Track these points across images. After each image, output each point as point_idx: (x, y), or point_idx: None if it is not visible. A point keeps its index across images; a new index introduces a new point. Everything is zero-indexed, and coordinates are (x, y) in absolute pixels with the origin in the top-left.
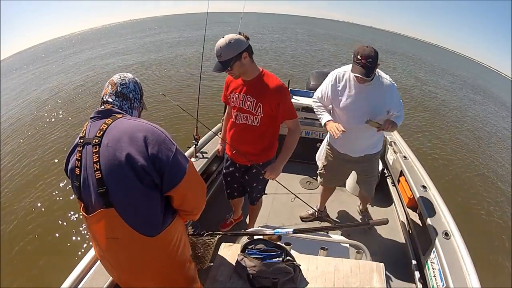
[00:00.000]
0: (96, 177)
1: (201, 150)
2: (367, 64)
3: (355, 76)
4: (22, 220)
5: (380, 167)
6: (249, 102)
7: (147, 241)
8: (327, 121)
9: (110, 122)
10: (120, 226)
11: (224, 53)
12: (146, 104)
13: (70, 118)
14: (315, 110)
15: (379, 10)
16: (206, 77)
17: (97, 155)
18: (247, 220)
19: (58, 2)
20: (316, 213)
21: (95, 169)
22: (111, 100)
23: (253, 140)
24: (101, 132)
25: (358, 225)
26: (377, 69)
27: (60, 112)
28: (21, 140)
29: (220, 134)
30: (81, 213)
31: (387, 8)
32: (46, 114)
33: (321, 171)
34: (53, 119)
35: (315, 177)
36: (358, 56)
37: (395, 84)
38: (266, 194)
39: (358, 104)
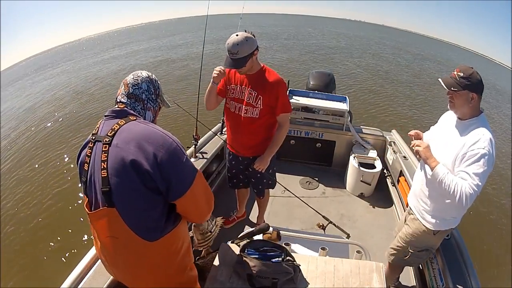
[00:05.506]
0: (102, 175)
1: (200, 150)
2: (457, 76)
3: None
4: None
5: (380, 166)
6: (249, 95)
7: (145, 245)
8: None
9: (122, 123)
10: (120, 226)
11: (242, 50)
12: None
13: None
14: None
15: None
16: (207, 77)
17: (106, 154)
18: (251, 218)
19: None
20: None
21: (102, 167)
22: (124, 101)
23: (253, 131)
24: (113, 132)
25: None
26: (485, 121)
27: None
28: None
29: (220, 134)
30: (84, 209)
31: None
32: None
33: None
34: None
35: (316, 178)
36: (454, 70)
37: (486, 151)
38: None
39: (438, 139)
